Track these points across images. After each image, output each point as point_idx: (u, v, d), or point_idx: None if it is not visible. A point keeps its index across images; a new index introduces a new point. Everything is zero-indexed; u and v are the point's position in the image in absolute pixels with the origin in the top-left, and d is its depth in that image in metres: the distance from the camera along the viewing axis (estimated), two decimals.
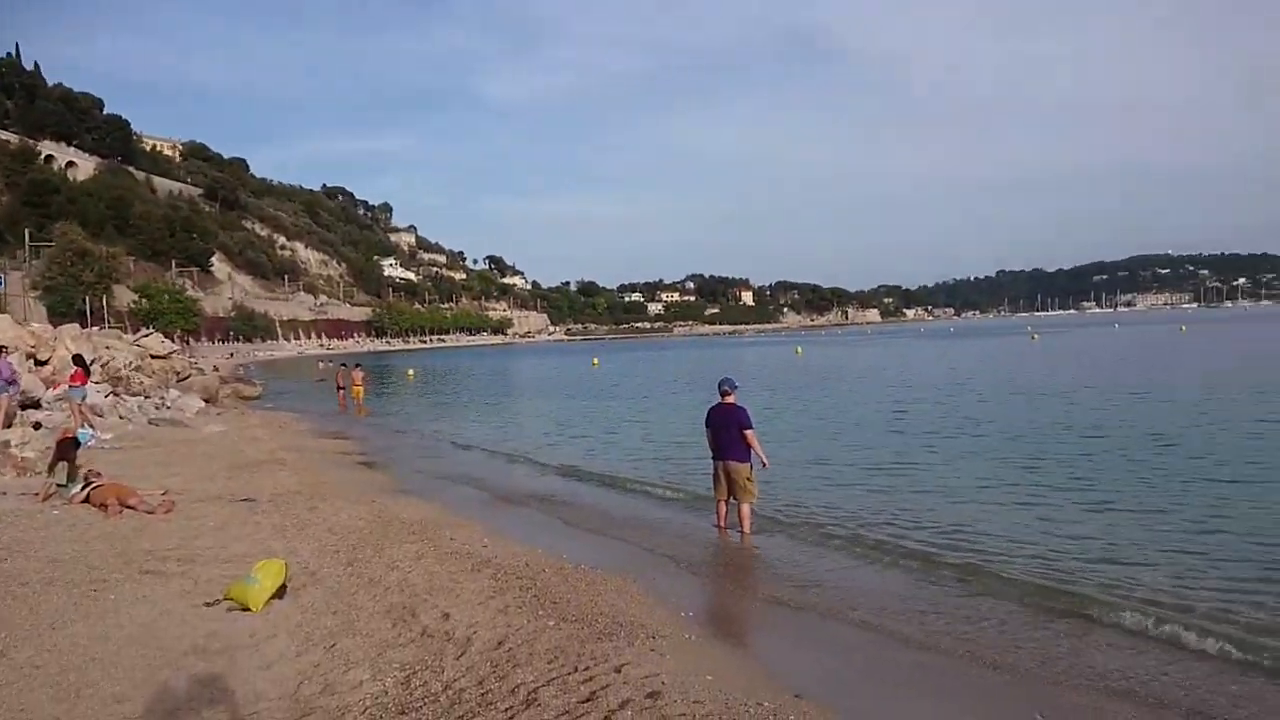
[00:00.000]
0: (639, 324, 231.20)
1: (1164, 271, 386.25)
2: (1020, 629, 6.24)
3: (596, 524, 10.20)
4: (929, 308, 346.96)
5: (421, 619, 6.24)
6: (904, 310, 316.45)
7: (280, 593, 6.62)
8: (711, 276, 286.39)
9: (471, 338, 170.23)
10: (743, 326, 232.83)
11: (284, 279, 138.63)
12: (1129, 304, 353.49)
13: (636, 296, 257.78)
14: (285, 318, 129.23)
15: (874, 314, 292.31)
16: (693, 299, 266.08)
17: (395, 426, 23.22)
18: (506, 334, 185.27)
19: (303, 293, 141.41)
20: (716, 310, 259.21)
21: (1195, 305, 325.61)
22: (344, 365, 33.60)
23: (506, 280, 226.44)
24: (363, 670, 5.26)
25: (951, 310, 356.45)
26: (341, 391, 30.84)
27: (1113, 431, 15.68)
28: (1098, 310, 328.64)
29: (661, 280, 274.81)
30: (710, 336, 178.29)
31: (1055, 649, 5.86)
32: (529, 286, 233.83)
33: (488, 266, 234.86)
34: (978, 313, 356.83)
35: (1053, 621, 6.36)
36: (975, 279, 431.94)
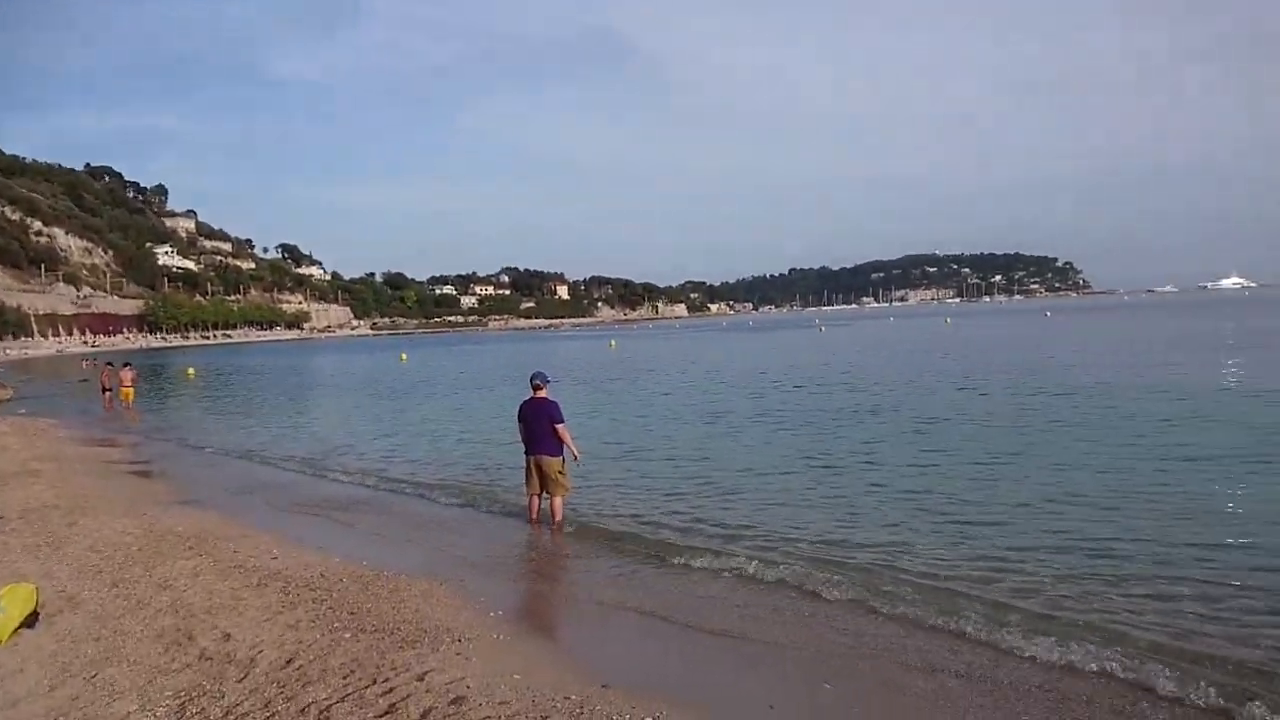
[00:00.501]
0: (451, 318, 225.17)
1: (932, 270, 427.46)
2: (811, 609, 6.58)
3: (401, 528, 9.79)
4: (731, 302, 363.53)
5: (199, 641, 5.71)
6: (709, 305, 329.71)
7: (30, 621, 5.93)
8: (527, 270, 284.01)
9: (263, 333, 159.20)
10: (559, 320, 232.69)
11: (40, 268, 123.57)
12: (902, 299, 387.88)
13: (449, 289, 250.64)
14: (42, 311, 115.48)
15: (681, 309, 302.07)
16: (508, 292, 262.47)
17: (171, 431, 21.24)
18: (304, 329, 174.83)
19: (62, 284, 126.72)
20: (532, 304, 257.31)
21: (958, 300, 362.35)
22: (110, 364, 30.54)
23: (303, 270, 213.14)
24: (129, 701, 4.75)
25: (751, 305, 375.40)
26: (108, 394, 27.98)
27: (892, 417, 17.05)
28: (875, 305, 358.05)
29: (475, 273, 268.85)
30: (527, 330, 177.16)
31: (842, 624, 6.25)
32: (328, 277, 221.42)
33: (281, 255, 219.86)
34: (773, 307, 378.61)
35: (833, 604, 6.72)
36: (771, 276, 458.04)
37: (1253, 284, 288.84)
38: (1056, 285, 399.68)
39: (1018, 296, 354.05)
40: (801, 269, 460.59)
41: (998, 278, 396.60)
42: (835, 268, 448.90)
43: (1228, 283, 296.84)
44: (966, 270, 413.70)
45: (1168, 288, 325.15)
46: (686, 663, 5.63)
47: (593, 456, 12.26)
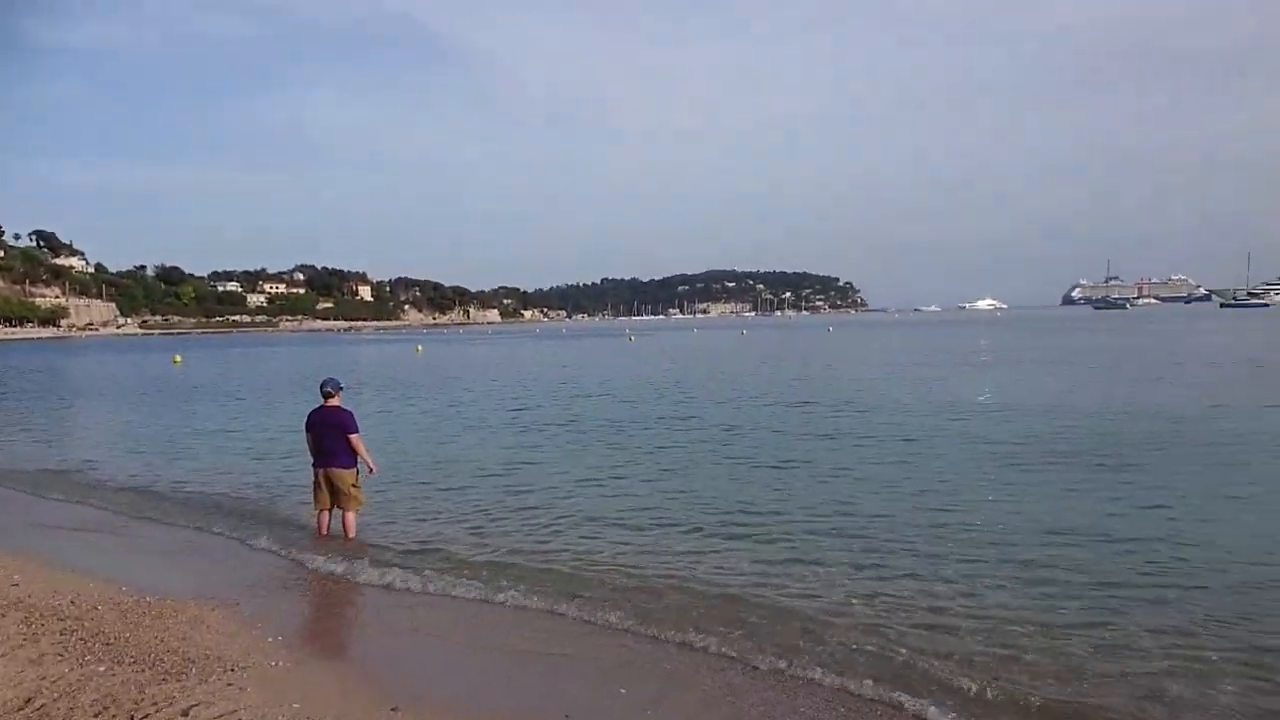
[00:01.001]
0: (236, 317, 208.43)
1: (731, 285, 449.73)
2: (605, 620, 6.71)
3: (167, 548, 8.99)
4: (544, 310, 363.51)
5: None
6: (522, 311, 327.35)
7: None
8: (325, 268, 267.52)
9: (11, 330, 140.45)
10: (361, 323, 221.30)
11: None
12: (704, 311, 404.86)
13: (233, 286, 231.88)
14: None
15: (494, 314, 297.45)
16: (303, 291, 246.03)
17: None
18: (61, 326, 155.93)
19: None
20: (331, 304, 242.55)
21: (754, 313, 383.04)
22: None
23: (61, 261, 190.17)
24: None
25: (564, 313, 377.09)
26: None
27: (697, 424, 17.72)
28: (680, 316, 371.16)
29: (265, 269, 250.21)
30: (324, 333, 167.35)
31: (635, 635, 6.43)
32: (91, 270, 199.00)
33: (35, 243, 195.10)
34: (586, 315, 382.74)
35: (625, 615, 6.94)
36: (584, 285, 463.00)
37: (1004, 305, 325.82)
38: (839, 302, 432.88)
39: (805, 312, 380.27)
40: (613, 279, 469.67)
41: (788, 294, 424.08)
42: (645, 280, 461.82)
43: (983, 304, 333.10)
44: (761, 286, 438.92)
45: (932, 307, 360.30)
46: (480, 680, 5.57)
47: (389, 469, 11.84)
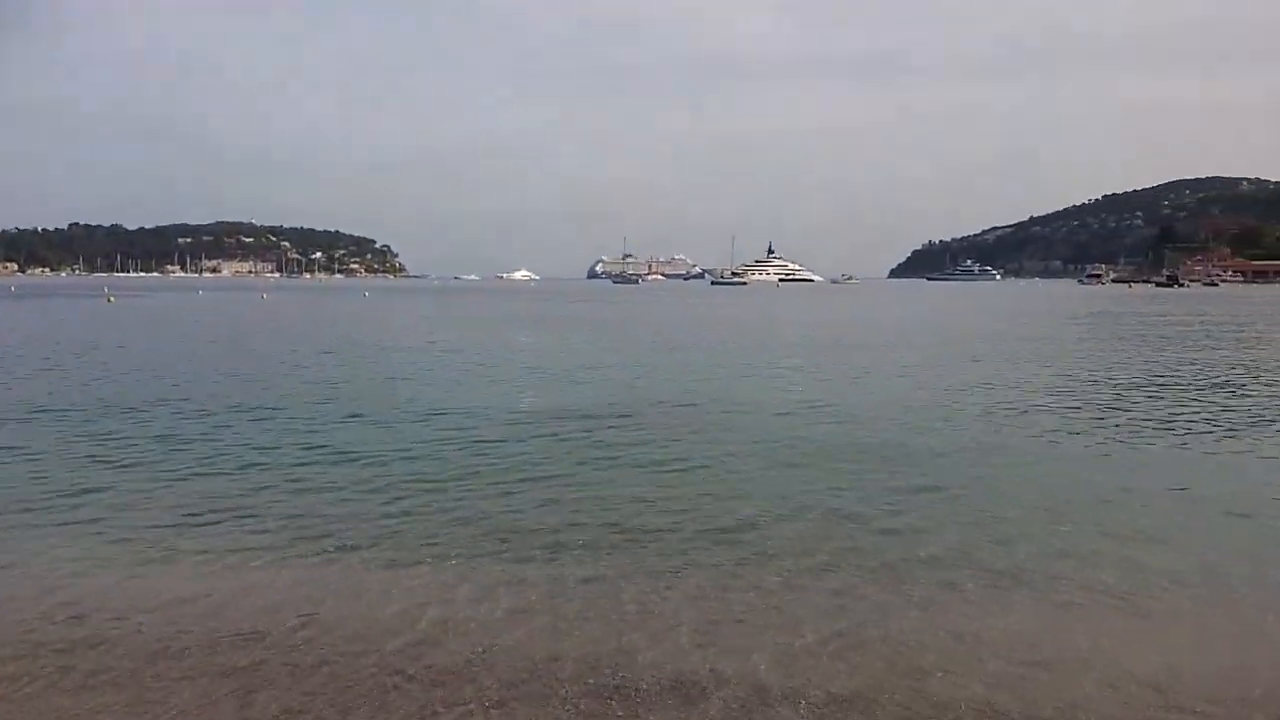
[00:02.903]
0: None
1: (249, 240, 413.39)
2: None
3: None
4: None
5: None
6: None
7: None
8: None
9: None
10: None
11: None
12: (215, 270, 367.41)
13: None
14: None
15: None
16: None
17: None
18: None
19: None
20: None
21: (278, 275, 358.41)
22: None
23: None
24: None
25: (15, 266, 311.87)
26: None
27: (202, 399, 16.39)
28: (181, 274, 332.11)
29: None
30: None
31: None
32: None
33: None
34: (47, 270, 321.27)
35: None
36: (44, 230, 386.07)
37: (536, 277, 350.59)
38: (376, 266, 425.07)
39: (339, 275, 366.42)
40: (88, 224, 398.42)
41: (319, 254, 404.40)
42: (132, 227, 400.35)
43: (519, 275, 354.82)
44: (287, 244, 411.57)
45: (472, 276, 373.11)
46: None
47: None
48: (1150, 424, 14.16)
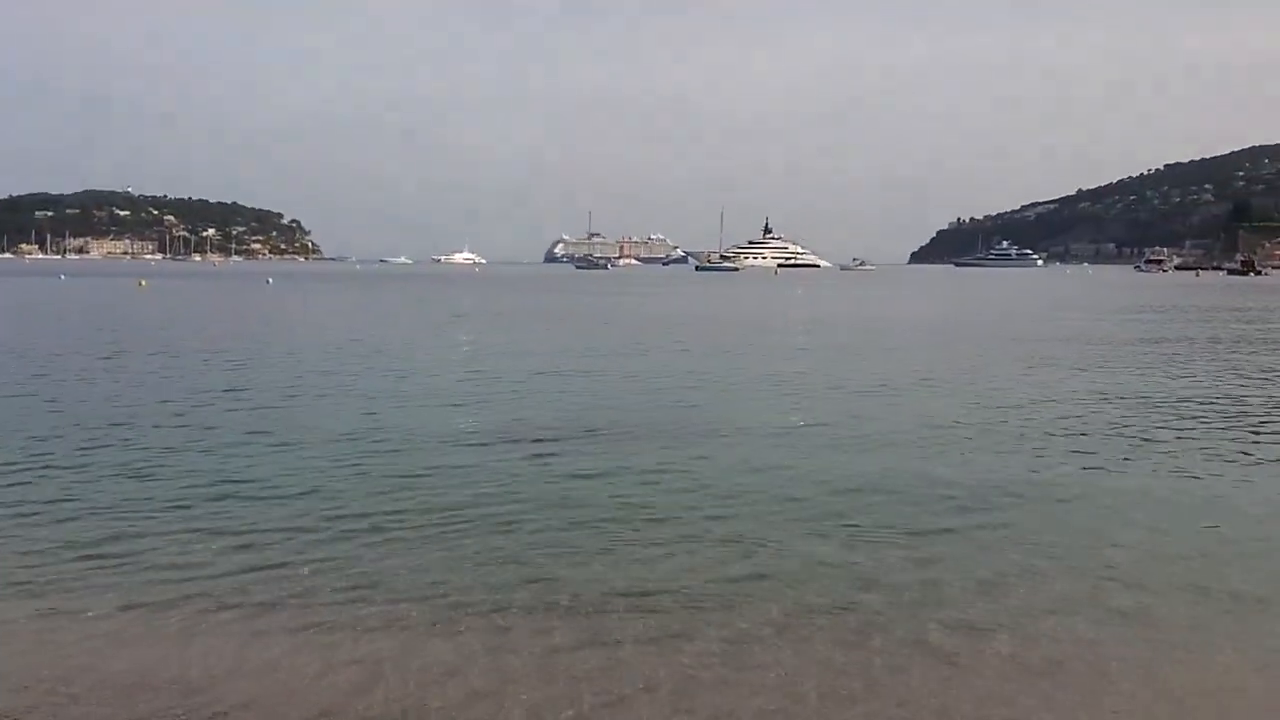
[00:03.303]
0: None
1: (124, 214, 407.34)
2: None
3: None
4: None
5: None
6: None
7: None
8: None
9: None
10: None
11: None
12: (81, 250, 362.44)
13: None
14: None
15: None
16: None
17: None
18: None
19: None
20: None
21: (161, 256, 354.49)
22: None
23: None
24: None
25: None
26: None
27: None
28: (41, 256, 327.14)
29: None
30: None
31: None
32: None
33: None
34: None
35: None
36: None
37: (482, 260, 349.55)
38: (282, 246, 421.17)
39: (236, 257, 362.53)
40: None
41: (211, 231, 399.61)
42: None
43: (460, 257, 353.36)
44: (172, 219, 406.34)
45: (402, 259, 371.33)
46: None
47: None
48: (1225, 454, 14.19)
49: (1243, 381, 22.54)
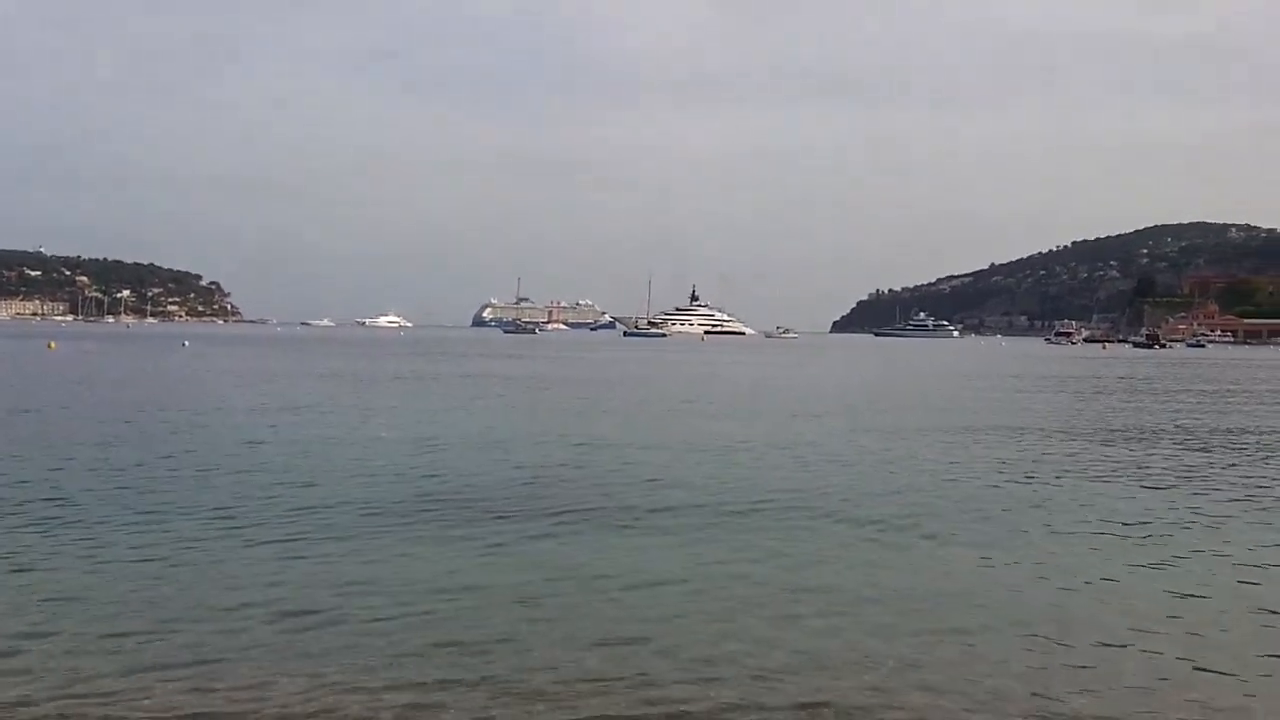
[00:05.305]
0: None
1: (35, 274, 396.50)
2: None
3: None
4: None
5: None
6: None
7: None
8: None
9: None
10: None
11: None
12: None
13: None
14: None
15: None
16: None
17: None
18: None
19: None
20: None
21: (73, 317, 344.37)
22: None
23: None
24: None
25: None
26: None
27: None
28: None
29: None
30: None
31: None
32: None
33: None
34: None
35: None
36: None
37: (408, 324, 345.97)
38: (200, 309, 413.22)
39: (152, 319, 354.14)
40: None
41: (126, 292, 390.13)
42: None
43: (385, 320, 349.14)
44: (85, 279, 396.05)
45: (325, 321, 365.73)
46: None
47: None
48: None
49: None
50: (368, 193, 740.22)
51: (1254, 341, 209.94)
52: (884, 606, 9.13)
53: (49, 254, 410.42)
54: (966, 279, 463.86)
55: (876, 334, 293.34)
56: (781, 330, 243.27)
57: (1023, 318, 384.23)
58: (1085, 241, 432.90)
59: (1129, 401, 39.17)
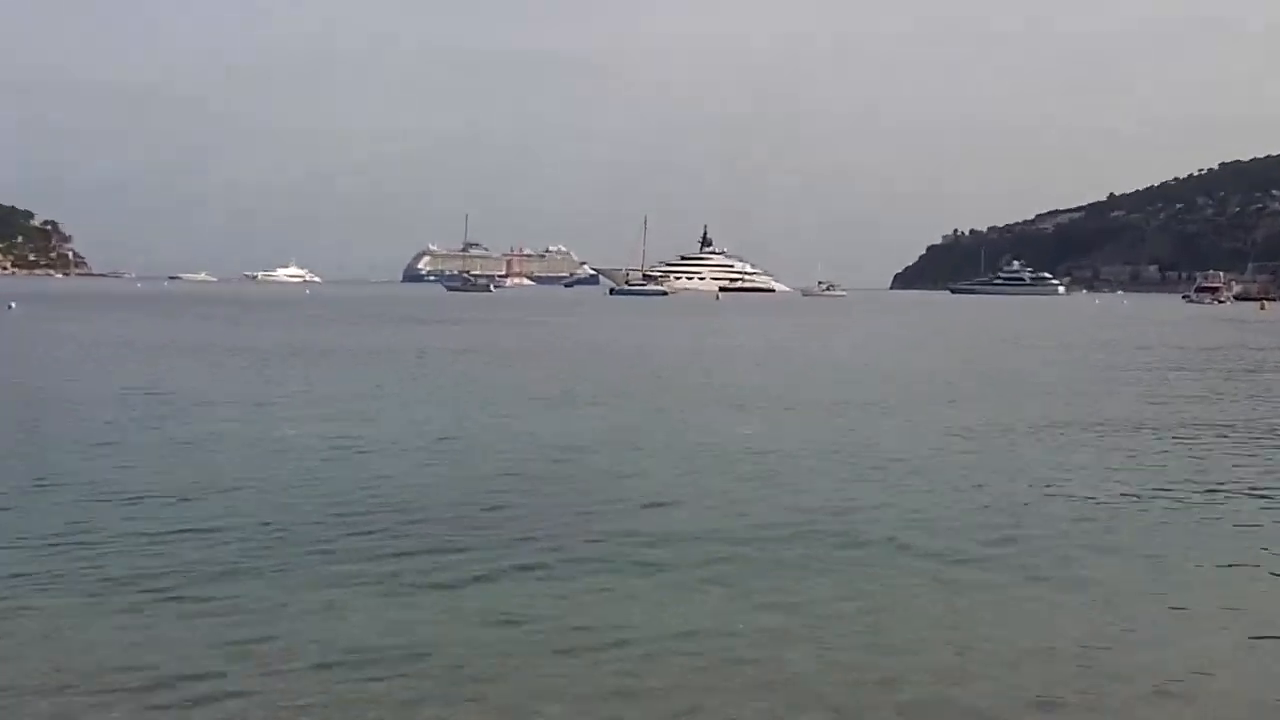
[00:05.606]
0: None
1: None
2: None
3: None
4: None
5: None
6: None
7: None
8: None
9: None
10: None
11: None
12: None
13: None
14: None
15: None
16: None
17: None
18: None
19: None
20: None
21: None
22: None
23: None
24: None
25: None
26: None
27: None
28: None
29: None
30: None
31: None
32: None
33: None
34: None
35: None
36: None
37: (316, 278, 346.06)
38: (31, 257, 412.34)
39: None
40: None
41: None
42: None
43: (285, 274, 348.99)
44: None
45: (202, 275, 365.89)
46: None
47: None
48: None
49: None
50: (261, 107, 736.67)
51: None
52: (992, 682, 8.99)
53: None
54: (1076, 214, 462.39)
55: (953, 290, 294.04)
56: (824, 287, 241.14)
57: (1152, 267, 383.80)
58: (1238, 162, 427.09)
59: None
